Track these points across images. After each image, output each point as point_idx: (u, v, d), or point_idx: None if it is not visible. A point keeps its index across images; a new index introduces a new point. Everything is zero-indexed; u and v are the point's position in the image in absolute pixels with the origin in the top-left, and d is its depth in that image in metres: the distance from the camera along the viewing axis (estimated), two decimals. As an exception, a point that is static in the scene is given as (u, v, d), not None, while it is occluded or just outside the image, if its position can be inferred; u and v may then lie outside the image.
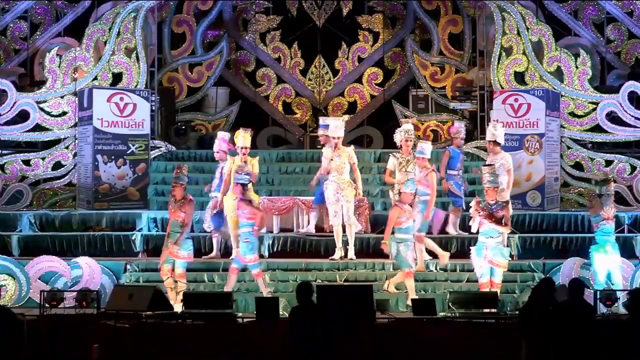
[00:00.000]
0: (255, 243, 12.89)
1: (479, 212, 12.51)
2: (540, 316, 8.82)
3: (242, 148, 14.07)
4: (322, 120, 15.29)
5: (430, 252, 13.98)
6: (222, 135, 14.81)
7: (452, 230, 14.57)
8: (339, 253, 14.08)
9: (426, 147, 13.72)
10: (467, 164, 16.75)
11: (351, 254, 14.05)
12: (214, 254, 14.25)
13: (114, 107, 15.87)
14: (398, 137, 14.09)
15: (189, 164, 16.44)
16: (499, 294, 12.34)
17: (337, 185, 14.00)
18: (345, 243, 14.09)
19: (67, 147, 16.25)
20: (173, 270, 12.76)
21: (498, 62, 16.61)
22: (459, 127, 14.85)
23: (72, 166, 16.17)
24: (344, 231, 14.10)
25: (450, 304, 11.75)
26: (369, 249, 14.37)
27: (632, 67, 17.78)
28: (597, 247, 13.04)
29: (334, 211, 13.99)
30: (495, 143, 14.21)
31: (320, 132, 15.02)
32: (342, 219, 13.99)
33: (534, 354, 8.81)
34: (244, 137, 14.16)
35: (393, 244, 12.79)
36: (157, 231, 14.88)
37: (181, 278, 12.70)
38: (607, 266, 12.87)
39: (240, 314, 11.83)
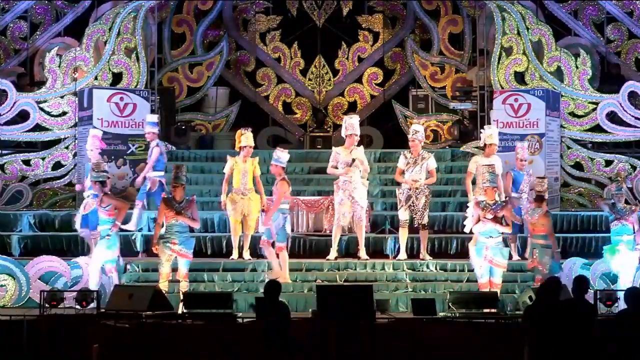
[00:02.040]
0: (115, 239, 12.79)
1: (486, 213, 12.46)
2: (543, 316, 8.81)
3: (249, 147, 14.08)
4: (149, 117, 15.30)
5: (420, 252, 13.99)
6: (94, 133, 14.74)
7: (515, 255, 14.02)
8: (334, 254, 14.10)
9: (282, 155, 13.51)
10: (467, 164, 16.71)
11: (363, 254, 14.07)
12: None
13: (114, 107, 15.88)
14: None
15: (188, 164, 16.51)
16: (499, 294, 12.35)
17: (352, 186, 14.00)
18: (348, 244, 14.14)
19: (67, 147, 16.25)
20: (172, 271, 12.74)
21: (498, 62, 16.61)
22: (519, 148, 14.41)
23: (72, 166, 16.17)
24: (350, 232, 14.15)
25: (450, 304, 11.76)
26: (369, 249, 14.37)
27: (608, 68, 17.66)
28: (610, 247, 13.05)
29: (344, 212, 13.95)
30: (495, 145, 14.18)
31: (148, 129, 15.00)
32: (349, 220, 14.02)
33: (536, 354, 8.80)
34: (247, 137, 14.18)
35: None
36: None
37: (185, 278, 12.68)
38: (621, 266, 12.87)
39: (240, 314, 11.82)
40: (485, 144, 14.23)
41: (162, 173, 14.93)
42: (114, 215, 12.77)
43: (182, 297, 11.97)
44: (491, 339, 10.81)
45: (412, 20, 19.66)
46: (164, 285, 12.49)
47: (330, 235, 14.45)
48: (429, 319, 11.44)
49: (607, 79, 17.34)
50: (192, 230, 12.97)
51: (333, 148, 14.47)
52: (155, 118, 15.38)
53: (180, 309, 11.85)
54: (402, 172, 14.17)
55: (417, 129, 14.34)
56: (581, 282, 9.08)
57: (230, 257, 14.19)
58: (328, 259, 14.05)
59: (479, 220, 12.60)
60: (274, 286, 9.53)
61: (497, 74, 16.58)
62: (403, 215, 14.11)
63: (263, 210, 14.11)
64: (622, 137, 16.36)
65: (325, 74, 19.88)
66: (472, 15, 18.96)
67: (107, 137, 15.72)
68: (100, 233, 12.83)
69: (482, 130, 14.56)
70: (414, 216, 14.05)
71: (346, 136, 14.21)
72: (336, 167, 14.16)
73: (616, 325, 8.80)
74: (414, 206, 14.01)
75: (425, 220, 14.07)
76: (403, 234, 14.17)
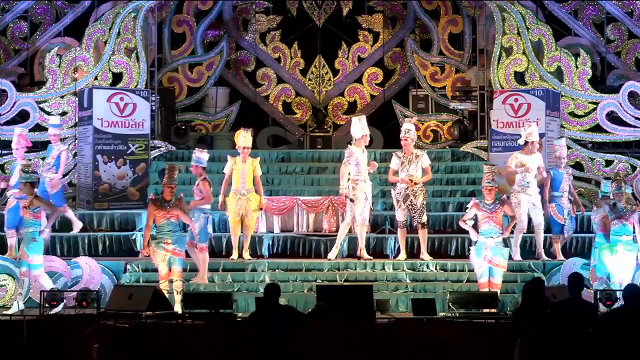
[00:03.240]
0: (41, 243, 12.78)
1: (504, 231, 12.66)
2: (534, 316, 8.82)
3: (243, 148, 14.10)
4: (52, 119, 15.18)
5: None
6: (19, 131, 14.72)
7: (559, 256, 14.08)
8: (335, 253, 14.10)
9: (202, 156, 13.55)
10: (467, 164, 16.81)
11: (365, 254, 14.09)
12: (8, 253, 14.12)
13: (114, 107, 15.88)
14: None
15: (188, 164, 16.48)
16: (499, 294, 12.35)
17: (366, 185, 14.01)
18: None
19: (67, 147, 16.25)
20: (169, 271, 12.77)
21: (498, 62, 16.61)
22: (557, 145, 14.39)
23: (72, 166, 16.17)
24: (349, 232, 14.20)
25: (450, 304, 11.77)
26: (369, 249, 14.38)
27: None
28: (608, 246, 13.03)
29: (359, 212, 13.94)
30: (536, 142, 14.11)
31: (51, 131, 14.85)
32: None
33: (528, 354, 8.81)
34: (244, 137, 14.20)
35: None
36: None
37: (180, 277, 12.68)
38: (617, 265, 12.86)
39: (240, 314, 11.83)
40: (525, 142, 14.15)
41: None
42: (41, 218, 12.77)
43: (180, 297, 11.98)
44: (491, 339, 10.81)
45: (412, 20, 19.66)
46: (164, 286, 12.51)
47: (330, 235, 14.52)
48: (429, 319, 11.44)
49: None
50: (184, 229, 13.00)
51: (349, 146, 14.34)
52: (57, 120, 15.31)
53: (179, 307, 11.86)
54: (395, 173, 14.15)
55: (409, 128, 14.28)
56: (576, 280, 9.06)
57: (230, 257, 14.20)
58: (329, 259, 14.05)
59: (475, 223, 12.68)
60: (272, 289, 9.52)
61: (497, 74, 16.58)
62: (400, 216, 14.08)
63: (261, 209, 14.16)
64: (622, 137, 16.37)
65: (325, 74, 19.88)
66: (472, 15, 18.96)
67: (107, 137, 15.74)
68: (24, 235, 12.77)
69: (522, 128, 14.46)
70: (413, 215, 14.03)
71: (363, 136, 14.18)
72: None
73: (612, 320, 8.81)
74: (412, 206, 13.98)
75: (424, 219, 14.05)
76: (402, 235, 14.16)
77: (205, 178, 13.52)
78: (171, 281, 12.62)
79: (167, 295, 12.28)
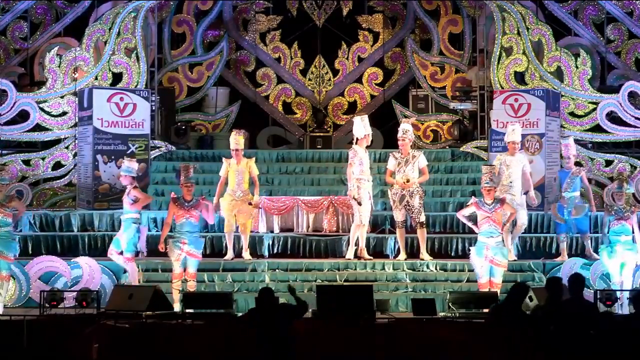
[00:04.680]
0: (17, 243, 12.93)
1: (501, 227, 12.67)
2: (513, 318, 8.86)
3: (234, 150, 14.11)
4: None
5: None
6: None
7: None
8: (352, 252, 14.10)
9: (132, 165, 13.47)
10: (467, 164, 16.80)
11: (365, 254, 14.12)
12: None
13: (114, 107, 15.88)
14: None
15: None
16: (498, 294, 12.36)
17: (369, 185, 14.02)
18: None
19: (67, 147, 16.26)
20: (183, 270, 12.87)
21: (498, 62, 16.60)
22: (562, 145, 14.52)
23: (72, 166, 16.18)
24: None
25: (450, 304, 11.77)
26: (369, 249, 14.38)
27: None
28: (607, 246, 13.03)
29: (364, 212, 13.95)
30: (512, 143, 14.12)
31: None
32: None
33: (507, 353, 8.85)
34: (235, 140, 14.20)
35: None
36: (157, 231, 14.85)
37: (193, 278, 12.79)
38: (617, 266, 12.86)
39: (240, 314, 11.82)
40: (507, 142, 14.19)
41: None
42: (10, 217, 12.90)
43: (181, 297, 12.02)
44: (491, 339, 10.80)
45: (412, 20, 19.65)
46: (177, 285, 12.61)
47: (330, 235, 14.59)
48: (429, 319, 11.44)
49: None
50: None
51: (353, 146, 14.37)
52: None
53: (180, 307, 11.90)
54: (392, 174, 14.16)
55: (407, 129, 14.29)
56: (576, 281, 9.07)
57: (224, 258, 14.11)
58: (348, 259, 14.07)
59: (475, 221, 12.75)
60: (265, 293, 9.54)
61: (497, 74, 16.58)
62: (398, 216, 14.09)
63: (250, 204, 14.02)
64: (622, 137, 16.37)
65: (325, 74, 19.87)
66: (472, 15, 18.95)
67: (107, 137, 15.75)
68: None
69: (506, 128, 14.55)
70: (411, 215, 14.03)
71: (365, 135, 14.20)
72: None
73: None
74: (409, 206, 13.98)
75: (422, 219, 14.04)
76: (400, 235, 14.17)
77: (135, 186, 13.45)
78: (184, 281, 12.70)
79: (177, 295, 12.34)
